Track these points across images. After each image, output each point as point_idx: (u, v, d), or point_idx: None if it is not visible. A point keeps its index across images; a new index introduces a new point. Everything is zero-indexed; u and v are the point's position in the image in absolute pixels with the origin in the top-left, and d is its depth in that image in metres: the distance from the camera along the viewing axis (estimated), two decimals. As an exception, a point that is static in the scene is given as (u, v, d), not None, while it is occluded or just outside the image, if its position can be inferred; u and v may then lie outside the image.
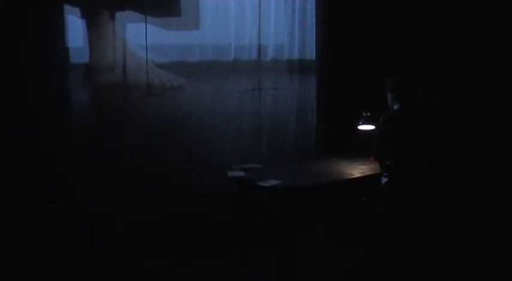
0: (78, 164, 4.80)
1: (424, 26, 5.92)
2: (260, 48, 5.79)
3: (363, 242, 5.33)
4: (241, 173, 4.96)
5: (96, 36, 4.87)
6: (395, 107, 4.65)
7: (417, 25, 5.95)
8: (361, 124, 5.65)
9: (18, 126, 4.46)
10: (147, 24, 5.07)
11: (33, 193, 4.54)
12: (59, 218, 4.65)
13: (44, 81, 4.57)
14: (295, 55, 6.04)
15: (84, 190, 4.80)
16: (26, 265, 4.43)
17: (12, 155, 4.45)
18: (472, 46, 5.74)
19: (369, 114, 5.62)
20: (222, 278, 4.82)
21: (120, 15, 4.96)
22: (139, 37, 5.07)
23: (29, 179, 4.53)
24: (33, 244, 4.50)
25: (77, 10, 4.76)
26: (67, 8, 4.69)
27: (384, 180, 4.74)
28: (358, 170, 5.18)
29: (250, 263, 5.07)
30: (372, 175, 5.11)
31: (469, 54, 5.75)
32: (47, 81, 4.60)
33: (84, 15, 4.82)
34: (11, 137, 4.44)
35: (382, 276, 4.78)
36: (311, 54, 6.12)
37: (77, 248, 4.69)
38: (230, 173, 4.98)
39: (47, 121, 4.60)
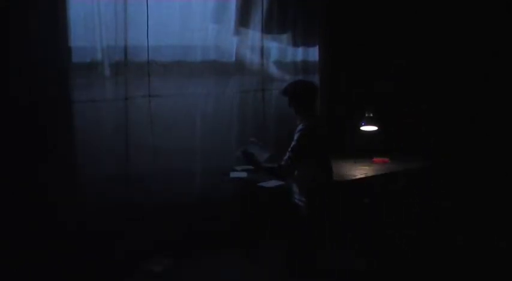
0: (79, 163, 4.78)
1: (425, 27, 5.93)
2: (263, 50, 5.77)
3: (365, 243, 5.32)
4: (244, 174, 4.97)
5: (98, 36, 4.86)
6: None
7: (418, 26, 5.95)
8: (364, 125, 5.65)
9: (18, 126, 4.44)
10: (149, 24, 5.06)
11: (33, 191, 4.51)
12: (59, 218, 4.63)
13: (45, 80, 4.55)
14: (299, 56, 6.02)
15: (85, 188, 4.80)
16: (25, 263, 4.42)
17: (12, 155, 4.43)
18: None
19: (371, 115, 5.64)
20: (223, 278, 4.80)
21: (121, 15, 4.94)
22: (141, 37, 5.05)
23: (28, 178, 4.51)
24: (31, 243, 4.49)
25: (79, 9, 4.74)
26: (69, 6, 4.67)
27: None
28: (360, 171, 5.17)
29: (251, 263, 5.06)
30: (374, 176, 5.11)
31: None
32: (49, 81, 4.57)
33: (86, 14, 4.81)
34: (11, 136, 4.42)
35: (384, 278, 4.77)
36: (314, 55, 6.10)
37: (78, 248, 4.68)
38: (232, 174, 5.00)
39: (48, 120, 4.58)
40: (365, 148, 5.75)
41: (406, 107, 6.05)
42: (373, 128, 5.65)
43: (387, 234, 5.35)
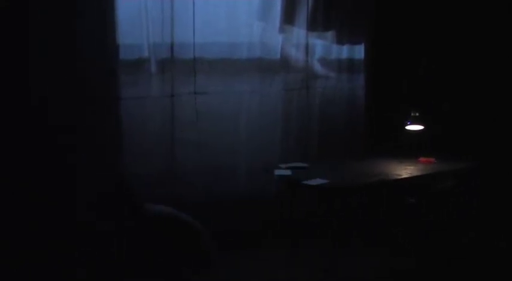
0: (126, 160, 4.83)
1: (470, 26, 5.83)
2: (308, 47, 5.74)
3: (409, 244, 5.28)
4: (288, 172, 4.95)
5: (145, 33, 4.90)
6: None
7: (464, 23, 5.86)
8: (410, 124, 5.59)
9: (65, 123, 4.49)
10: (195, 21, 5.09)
11: (79, 186, 4.55)
12: (105, 213, 4.67)
13: (93, 77, 4.60)
14: (344, 54, 5.97)
15: (132, 185, 4.83)
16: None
17: (59, 152, 4.49)
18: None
19: (417, 114, 5.57)
20: (264, 277, 4.80)
21: (168, 12, 4.98)
22: (187, 34, 5.09)
23: (77, 174, 4.56)
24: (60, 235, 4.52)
25: (127, 6, 4.79)
26: (117, 4, 4.72)
27: None
28: (405, 170, 5.11)
29: (292, 262, 5.05)
30: (420, 176, 5.05)
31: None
32: (97, 78, 4.62)
33: (133, 12, 4.85)
34: (58, 133, 4.48)
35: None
36: (359, 53, 6.05)
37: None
38: (277, 172, 4.98)
39: (96, 117, 4.63)
40: (411, 147, 5.69)
41: (452, 106, 5.96)
42: (419, 127, 5.59)
43: (431, 234, 5.30)
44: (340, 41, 5.91)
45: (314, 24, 5.73)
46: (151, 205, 4.38)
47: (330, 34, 5.87)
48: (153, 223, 4.27)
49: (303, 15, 5.66)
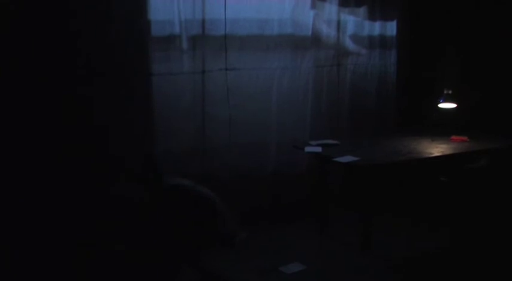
0: (157, 136, 4.87)
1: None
2: (339, 24, 5.70)
3: (440, 222, 5.25)
4: (319, 149, 4.95)
5: (177, 9, 4.90)
6: None
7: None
8: (442, 102, 5.53)
9: (98, 98, 4.53)
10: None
11: (111, 164, 4.59)
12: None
13: (125, 53, 4.62)
14: (376, 30, 5.92)
15: (162, 161, 4.87)
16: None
17: (90, 126, 4.53)
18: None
19: (450, 92, 5.51)
20: (295, 251, 4.82)
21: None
22: (219, 11, 5.06)
23: (108, 149, 4.60)
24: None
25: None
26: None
27: None
28: (437, 149, 5.07)
29: (322, 237, 5.07)
30: (451, 155, 5.01)
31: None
32: (129, 53, 4.64)
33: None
34: (90, 107, 4.51)
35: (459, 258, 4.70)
36: (391, 29, 5.99)
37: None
38: (307, 149, 4.98)
39: (128, 92, 4.66)
40: (444, 125, 5.63)
41: (486, 84, 5.87)
42: (452, 105, 5.52)
43: (462, 213, 5.27)
44: (372, 17, 5.86)
45: (346, 0, 5.68)
46: (171, 177, 4.34)
47: (362, 10, 5.83)
48: (169, 194, 4.26)
49: (335, -7, 5.62)
